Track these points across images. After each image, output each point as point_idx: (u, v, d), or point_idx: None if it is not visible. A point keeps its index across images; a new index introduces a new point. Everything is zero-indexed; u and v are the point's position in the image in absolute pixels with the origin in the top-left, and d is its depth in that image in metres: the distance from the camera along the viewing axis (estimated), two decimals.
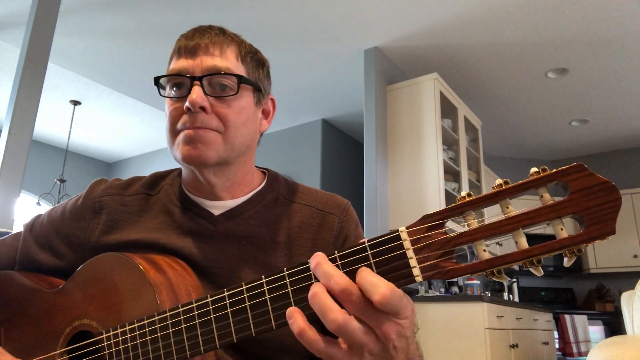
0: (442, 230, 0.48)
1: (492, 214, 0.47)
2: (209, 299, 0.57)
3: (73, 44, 3.81)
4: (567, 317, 4.47)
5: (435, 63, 3.95)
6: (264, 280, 0.54)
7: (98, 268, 0.74)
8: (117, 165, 6.79)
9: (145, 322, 0.62)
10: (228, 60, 0.77)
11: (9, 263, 0.88)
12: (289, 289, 0.52)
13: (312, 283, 0.51)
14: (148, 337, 0.61)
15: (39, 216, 0.90)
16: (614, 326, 4.91)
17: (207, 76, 0.74)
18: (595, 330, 4.88)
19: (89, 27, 3.60)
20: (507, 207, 0.46)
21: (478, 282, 3.93)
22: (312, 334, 0.48)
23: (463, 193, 0.47)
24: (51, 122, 5.41)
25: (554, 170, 0.45)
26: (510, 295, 4.85)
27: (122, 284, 0.69)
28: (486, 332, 2.86)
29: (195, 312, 0.58)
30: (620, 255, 5.22)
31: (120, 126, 5.56)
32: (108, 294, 0.70)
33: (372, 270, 0.49)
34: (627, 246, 5.20)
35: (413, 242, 0.48)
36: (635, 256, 5.15)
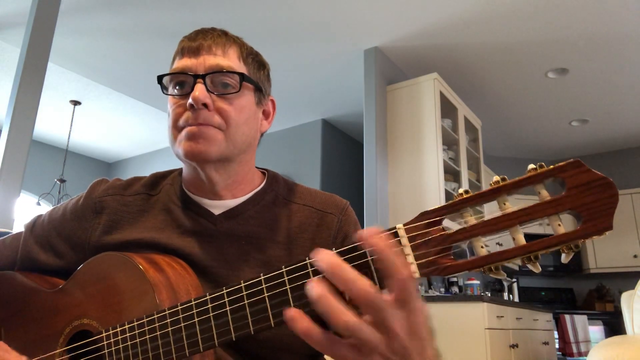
0: (440, 227, 0.48)
1: (491, 211, 0.47)
2: (208, 297, 0.57)
3: (73, 44, 3.81)
4: (567, 317, 4.47)
5: (435, 63, 3.95)
6: (262, 278, 0.54)
7: (98, 268, 0.74)
8: (117, 165, 6.79)
9: (145, 321, 0.62)
10: (230, 60, 0.78)
11: (9, 263, 0.88)
12: (287, 286, 0.52)
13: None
14: (147, 336, 0.61)
15: (39, 216, 0.90)
16: (614, 326, 4.91)
17: (210, 74, 0.75)
18: (595, 330, 4.88)
19: (89, 27, 3.60)
20: (505, 204, 0.46)
21: (478, 282, 3.94)
22: (318, 333, 0.47)
23: (461, 190, 0.47)
24: (51, 122, 5.41)
25: (551, 166, 0.45)
26: (510, 295, 4.85)
27: (122, 283, 0.70)
28: (486, 332, 2.86)
29: (194, 311, 0.58)
30: (620, 255, 5.22)
31: (120, 126, 5.57)
32: (108, 293, 0.71)
33: (370, 267, 0.49)
34: (627, 246, 5.19)
35: (410, 239, 0.48)
36: (635, 256, 5.15)
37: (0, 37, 3.73)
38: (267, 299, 0.53)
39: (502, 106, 4.69)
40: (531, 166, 0.46)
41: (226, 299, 0.56)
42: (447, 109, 3.95)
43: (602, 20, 3.34)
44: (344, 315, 0.45)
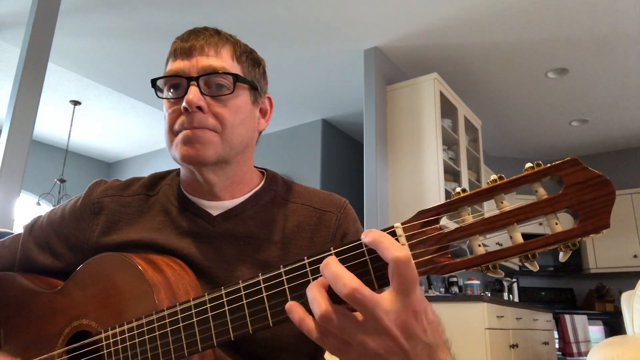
0: (437, 225, 0.48)
1: (489, 210, 0.47)
2: (207, 298, 0.57)
3: (73, 44, 3.81)
4: (567, 317, 4.47)
5: (435, 63, 3.95)
6: (260, 278, 0.54)
7: (97, 268, 0.74)
8: (117, 165, 6.79)
9: (144, 321, 0.62)
10: (223, 60, 0.77)
11: (8, 264, 0.88)
12: (286, 286, 0.52)
13: (309, 280, 0.51)
14: (146, 337, 0.61)
15: (38, 217, 0.90)
16: (614, 326, 4.90)
17: (203, 76, 0.75)
18: (595, 330, 4.88)
19: (89, 27, 3.60)
20: (502, 203, 0.46)
21: (478, 282, 3.94)
22: (311, 322, 0.48)
23: (458, 189, 0.47)
24: (51, 122, 5.41)
25: (548, 165, 0.45)
26: (510, 295, 4.85)
27: (121, 283, 0.70)
28: (486, 332, 2.86)
29: (193, 311, 0.58)
30: (620, 255, 5.22)
31: (120, 126, 5.57)
32: (107, 294, 0.71)
33: (368, 265, 0.49)
34: (627, 246, 5.19)
35: (408, 238, 0.48)
36: (635, 256, 5.15)
37: (0, 37, 3.73)
38: (265, 299, 0.53)
39: (502, 106, 4.69)
40: (528, 165, 0.46)
41: (225, 299, 0.56)
42: (447, 109, 3.95)
43: (602, 20, 3.34)
44: (318, 305, 0.46)
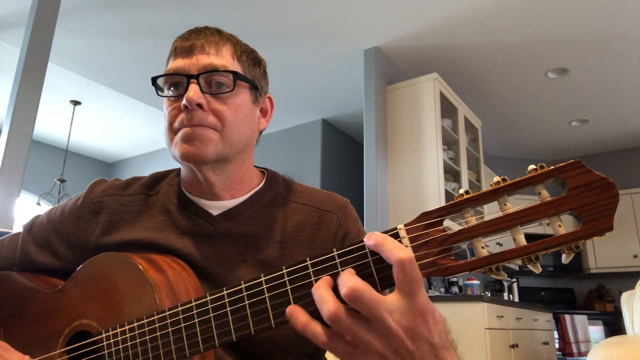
0: (441, 227, 0.48)
1: (492, 212, 0.47)
2: (208, 298, 0.57)
3: (73, 44, 3.81)
4: (567, 317, 4.47)
5: (435, 63, 3.95)
6: (262, 279, 0.54)
7: (97, 268, 0.74)
8: (117, 165, 6.79)
9: (145, 321, 0.62)
10: (224, 59, 0.77)
11: (8, 264, 0.88)
12: (288, 287, 0.52)
13: (312, 281, 0.51)
14: (147, 337, 0.61)
15: (37, 217, 0.90)
16: (614, 326, 4.90)
17: (203, 74, 0.75)
18: (595, 330, 4.88)
19: (89, 27, 3.60)
20: (505, 205, 0.46)
21: (478, 282, 3.94)
22: (316, 326, 0.48)
23: (461, 190, 0.47)
24: (51, 122, 5.41)
25: (552, 167, 0.45)
26: (510, 295, 4.85)
27: (122, 283, 0.70)
28: (486, 332, 2.86)
29: (195, 312, 0.58)
30: (620, 255, 5.22)
31: (120, 126, 5.57)
32: (107, 293, 0.70)
33: (371, 267, 0.49)
34: (627, 246, 5.19)
35: (411, 240, 0.48)
36: (635, 256, 5.15)
37: (0, 37, 3.73)
38: (267, 299, 0.53)
39: (502, 106, 4.69)
40: (532, 167, 0.45)
41: (227, 300, 0.56)
42: (447, 109, 3.95)
43: (602, 20, 3.34)
44: (327, 304, 0.46)
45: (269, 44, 3.71)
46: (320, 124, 5.07)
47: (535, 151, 5.84)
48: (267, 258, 0.78)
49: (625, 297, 2.63)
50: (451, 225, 0.49)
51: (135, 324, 0.63)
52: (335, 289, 0.48)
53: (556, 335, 4.42)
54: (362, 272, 0.49)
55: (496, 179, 0.46)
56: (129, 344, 0.63)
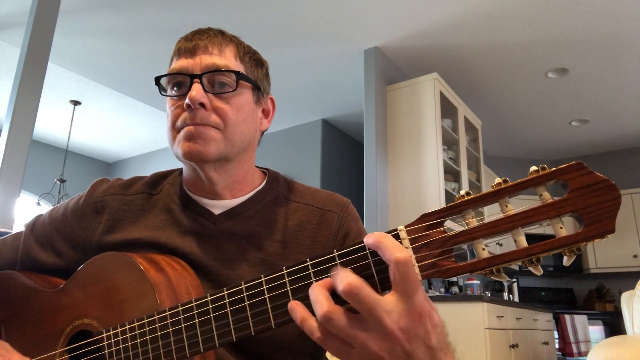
0: (441, 229, 0.48)
1: (492, 213, 0.47)
2: (209, 298, 0.57)
3: (73, 44, 3.81)
4: (567, 317, 4.47)
5: (435, 63, 3.95)
6: (263, 279, 0.54)
7: (98, 267, 0.74)
8: (117, 165, 6.79)
9: (145, 321, 0.62)
10: (227, 59, 0.78)
11: (10, 263, 0.88)
12: (288, 287, 0.52)
13: (312, 281, 0.51)
14: (148, 337, 0.61)
15: (39, 216, 0.90)
16: (614, 326, 4.90)
17: (206, 74, 0.75)
18: (595, 330, 4.88)
19: (89, 27, 3.60)
20: (506, 206, 0.46)
21: (478, 282, 3.93)
22: (313, 322, 0.48)
23: (462, 192, 0.47)
24: (51, 122, 5.41)
25: (553, 168, 0.45)
26: (510, 295, 4.85)
27: (122, 283, 0.70)
28: (486, 332, 2.86)
29: (195, 312, 0.58)
30: (620, 255, 5.22)
31: (120, 126, 5.57)
32: (108, 293, 0.71)
33: (371, 268, 0.49)
34: (627, 246, 5.19)
35: (412, 241, 0.48)
36: (635, 256, 5.15)
37: (0, 37, 3.73)
38: (268, 299, 0.53)
39: (502, 106, 4.69)
40: (533, 168, 0.45)
41: (227, 300, 0.56)
42: (447, 109, 3.95)
43: (602, 20, 3.34)
44: (320, 305, 0.46)
45: (269, 44, 3.71)
46: (320, 124, 5.07)
47: (536, 151, 5.84)
48: (269, 257, 0.79)
49: (625, 297, 2.63)
50: (452, 226, 0.49)
51: (135, 324, 0.63)
52: (334, 293, 0.47)
53: (556, 335, 4.42)
54: (363, 273, 0.48)
55: (497, 180, 0.46)
56: (130, 343, 0.63)
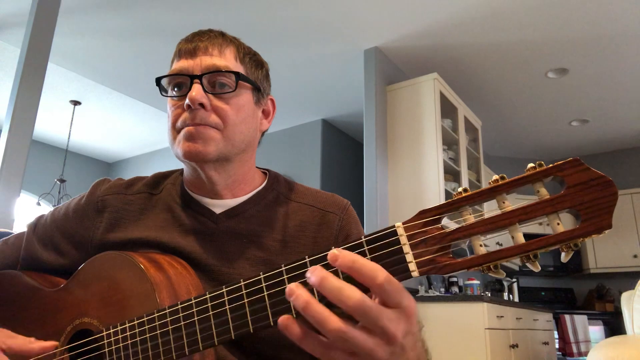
0: (439, 225, 0.48)
1: (490, 210, 0.47)
2: (208, 296, 0.57)
3: (73, 44, 3.81)
4: (567, 317, 4.47)
5: (435, 63, 3.95)
6: (262, 276, 0.54)
7: (99, 267, 0.75)
8: (117, 165, 6.79)
9: (145, 319, 0.62)
10: (227, 60, 0.79)
11: (12, 262, 0.89)
12: (287, 285, 0.52)
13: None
14: (147, 335, 0.61)
15: (41, 216, 0.91)
16: (614, 326, 4.90)
17: (207, 74, 0.76)
18: (595, 330, 4.88)
19: (89, 27, 3.60)
20: (504, 203, 0.46)
21: (478, 282, 3.94)
22: (314, 338, 0.47)
23: (460, 189, 0.47)
24: (51, 122, 5.41)
25: (550, 165, 0.45)
26: (510, 295, 4.85)
27: (123, 282, 0.70)
28: (486, 332, 2.86)
29: (194, 310, 0.58)
30: (620, 255, 5.22)
31: (120, 126, 5.57)
32: (109, 292, 0.71)
33: None
34: (627, 246, 5.19)
35: (409, 238, 0.48)
36: (635, 256, 5.15)
37: (0, 37, 3.73)
38: (266, 297, 0.53)
39: (502, 106, 4.69)
40: (530, 165, 0.46)
41: (226, 298, 0.56)
42: (447, 109, 3.95)
43: (602, 20, 3.34)
44: (331, 322, 0.45)
45: (269, 44, 3.72)
46: (320, 124, 5.07)
47: (535, 151, 5.84)
48: (270, 256, 0.79)
49: (625, 297, 2.63)
50: (450, 223, 0.49)
51: (135, 323, 0.63)
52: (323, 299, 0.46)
53: (556, 335, 4.42)
54: None
55: (495, 177, 0.46)
56: (129, 342, 0.63)
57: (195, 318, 0.57)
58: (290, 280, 0.52)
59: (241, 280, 0.55)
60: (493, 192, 0.46)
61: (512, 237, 0.45)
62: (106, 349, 0.65)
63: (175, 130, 0.77)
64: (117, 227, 0.83)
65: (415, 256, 0.48)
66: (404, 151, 3.73)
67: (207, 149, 0.75)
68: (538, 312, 4.02)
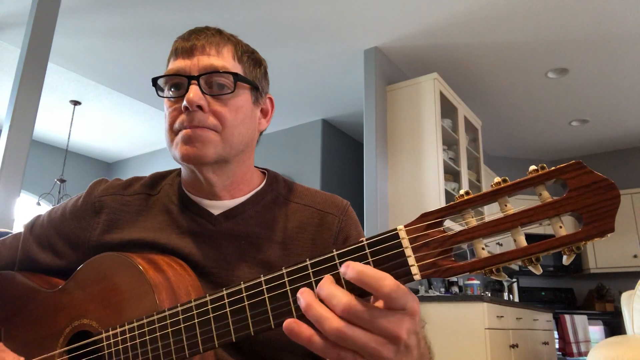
0: (441, 228, 0.48)
1: (492, 212, 0.47)
2: (208, 299, 0.57)
3: (73, 44, 3.81)
4: (567, 317, 4.47)
5: (435, 63, 3.95)
6: (262, 279, 0.54)
7: (98, 268, 0.74)
8: (117, 165, 6.79)
9: (144, 321, 0.62)
10: (224, 60, 0.77)
11: (9, 263, 0.88)
12: (288, 288, 0.52)
13: (311, 282, 0.51)
14: (147, 337, 0.61)
15: (39, 216, 0.90)
16: (614, 326, 4.91)
17: (204, 75, 0.75)
18: (595, 330, 4.88)
19: (89, 27, 3.60)
20: (506, 206, 0.46)
21: (478, 282, 3.93)
22: (320, 339, 0.47)
23: (462, 191, 0.47)
24: (51, 122, 5.41)
25: (552, 168, 0.45)
26: (510, 295, 4.85)
27: (122, 283, 0.70)
28: (486, 332, 2.86)
29: (194, 312, 0.58)
30: (620, 255, 5.22)
31: (120, 126, 5.57)
32: (107, 293, 0.71)
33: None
34: (627, 246, 5.19)
35: (411, 241, 0.48)
36: (635, 256, 5.15)
37: (0, 37, 3.73)
38: (267, 300, 0.53)
39: (502, 106, 4.69)
40: (532, 167, 0.45)
41: (226, 300, 0.55)
42: (447, 109, 3.95)
43: (602, 20, 3.34)
44: (329, 322, 0.46)
45: (268, 44, 3.71)
46: (320, 124, 5.07)
47: (535, 151, 5.84)
48: (268, 258, 0.78)
49: (625, 297, 2.63)
50: (452, 226, 0.49)
51: (135, 324, 0.63)
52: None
53: (556, 335, 4.42)
54: None
55: (497, 179, 0.46)
56: (129, 344, 0.63)
57: (196, 320, 0.57)
58: (292, 283, 0.52)
59: (242, 283, 0.55)
60: (495, 195, 0.46)
61: (514, 240, 0.45)
62: (105, 351, 0.65)
63: (173, 132, 0.76)
64: (115, 229, 0.82)
65: (417, 259, 0.48)
66: (404, 151, 3.72)
67: (205, 152, 0.74)
68: (538, 312, 4.02)
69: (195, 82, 0.74)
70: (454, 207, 0.48)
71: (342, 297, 0.46)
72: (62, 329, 0.74)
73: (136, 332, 0.62)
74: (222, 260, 0.77)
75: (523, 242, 0.45)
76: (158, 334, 0.60)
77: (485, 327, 2.87)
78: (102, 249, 0.79)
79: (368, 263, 0.49)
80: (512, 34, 3.53)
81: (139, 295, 0.67)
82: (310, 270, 0.51)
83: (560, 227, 0.44)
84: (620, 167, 5.65)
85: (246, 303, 0.54)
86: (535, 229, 0.46)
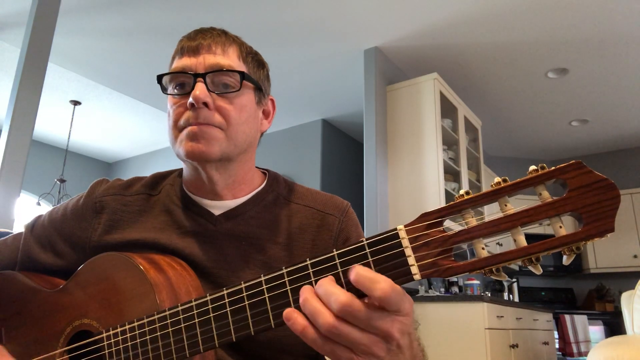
0: (441, 228, 0.48)
1: (492, 212, 0.47)
2: (208, 298, 0.57)
3: (73, 44, 3.81)
4: (567, 317, 4.47)
5: (435, 63, 3.95)
6: (262, 279, 0.54)
7: (98, 268, 0.74)
8: (117, 165, 6.79)
9: (145, 321, 0.62)
10: (230, 59, 0.78)
11: (10, 263, 0.88)
12: (288, 287, 0.52)
13: (312, 282, 0.51)
14: (147, 337, 0.61)
15: (39, 216, 0.90)
16: (614, 326, 4.90)
17: (210, 73, 0.75)
18: (595, 330, 4.88)
19: (89, 27, 3.60)
20: (506, 205, 0.46)
21: (478, 282, 3.93)
22: (314, 331, 0.48)
23: (462, 191, 0.47)
24: (51, 122, 5.41)
25: (553, 168, 0.45)
26: (510, 295, 4.84)
27: (122, 283, 0.70)
28: (486, 332, 2.86)
29: (195, 312, 0.58)
30: (620, 255, 5.22)
31: (120, 126, 5.57)
32: (108, 293, 0.71)
33: (371, 268, 0.49)
34: (627, 246, 5.19)
35: (411, 241, 0.48)
36: (635, 256, 5.15)
37: (0, 37, 3.73)
38: (267, 300, 0.53)
39: (502, 106, 4.69)
40: (532, 167, 0.45)
41: (227, 300, 0.56)
42: (447, 109, 3.95)
43: (602, 20, 3.34)
44: (322, 316, 0.47)
45: (269, 44, 3.71)
46: (320, 124, 5.07)
47: (535, 151, 5.84)
48: (269, 259, 0.79)
49: (625, 297, 2.63)
50: (452, 225, 0.49)
51: (135, 324, 0.63)
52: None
53: (556, 335, 4.42)
54: None
55: (497, 179, 0.46)
56: (129, 344, 0.63)
57: (196, 320, 0.57)
58: (292, 283, 0.52)
59: (242, 282, 0.55)
60: (495, 195, 0.46)
61: (514, 240, 0.45)
62: (106, 351, 0.65)
63: (177, 129, 0.76)
64: (115, 229, 0.82)
65: (417, 259, 0.48)
66: (403, 151, 3.73)
67: (210, 149, 0.74)
68: (538, 312, 4.02)
69: (202, 79, 0.74)
70: (454, 207, 0.48)
71: (340, 296, 0.46)
72: (63, 328, 0.74)
73: (137, 332, 0.62)
74: (223, 261, 0.77)
75: (523, 242, 0.45)
76: (158, 333, 0.60)
77: (485, 327, 2.87)
78: (103, 249, 0.79)
79: (368, 263, 0.49)
80: (512, 34, 3.53)
81: (140, 295, 0.67)
82: (310, 270, 0.51)
83: (560, 227, 0.44)
84: (620, 167, 5.65)
85: (246, 303, 0.54)
86: (535, 229, 0.46)
